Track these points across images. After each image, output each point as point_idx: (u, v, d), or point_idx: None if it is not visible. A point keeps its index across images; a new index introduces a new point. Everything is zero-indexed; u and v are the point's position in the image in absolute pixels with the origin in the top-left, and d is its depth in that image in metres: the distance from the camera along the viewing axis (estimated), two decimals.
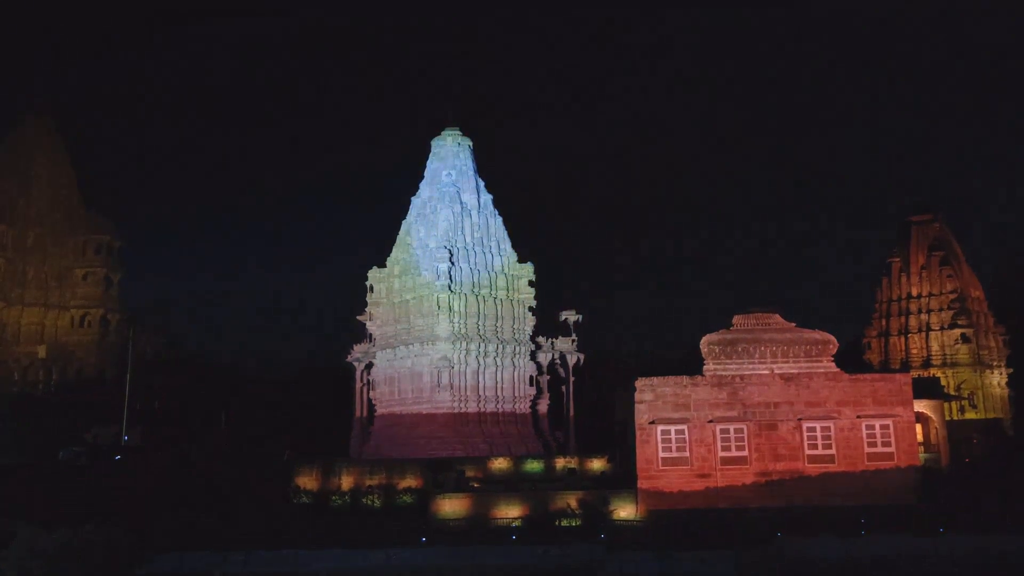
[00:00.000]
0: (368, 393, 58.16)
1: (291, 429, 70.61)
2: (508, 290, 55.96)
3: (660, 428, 38.30)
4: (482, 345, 53.45)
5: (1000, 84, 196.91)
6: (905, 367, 70.36)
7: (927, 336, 73.55)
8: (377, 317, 57.15)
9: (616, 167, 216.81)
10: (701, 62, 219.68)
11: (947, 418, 55.74)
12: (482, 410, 53.22)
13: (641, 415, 38.49)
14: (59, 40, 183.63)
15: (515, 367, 55.24)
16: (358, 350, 58.76)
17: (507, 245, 57.32)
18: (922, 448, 45.40)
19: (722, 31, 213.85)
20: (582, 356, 58.01)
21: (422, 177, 58.72)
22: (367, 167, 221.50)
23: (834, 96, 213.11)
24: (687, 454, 38.13)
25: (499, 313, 54.99)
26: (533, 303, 56.75)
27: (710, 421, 38.25)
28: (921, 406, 46.10)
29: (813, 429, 38.24)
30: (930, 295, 74.54)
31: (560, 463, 47.25)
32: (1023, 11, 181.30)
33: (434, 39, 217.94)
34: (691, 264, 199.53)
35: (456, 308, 53.06)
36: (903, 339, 75.18)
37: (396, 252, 57.73)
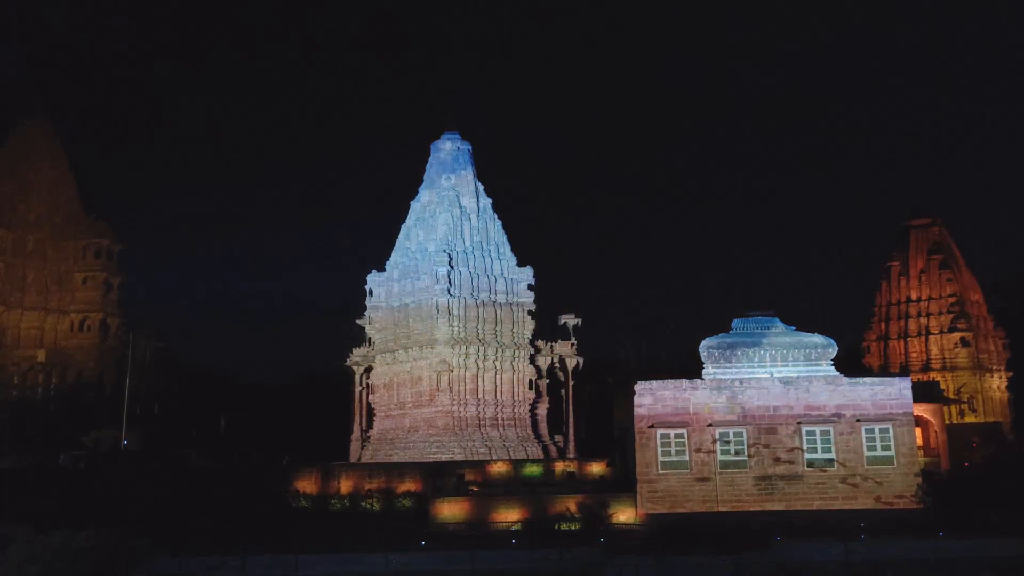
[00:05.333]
0: (367, 397, 58.11)
1: (290, 433, 70.60)
2: (507, 294, 55.90)
3: (659, 432, 38.24)
4: (481, 349, 53.38)
5: (1000, 87, 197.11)
6: (904, 371, 70.35)
7: (926, 340, 73.55)
8: (376, 321, 57.09)
9: (616, 171, 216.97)
10: (700, 65, 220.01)
11: (947, 422, 55.74)
12: (481, 414, 53.16)
13: (640, 419, 38.43)
14: (58, 43, 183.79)
15: (514, 371, 55.18)
16: (357, 354, 58.71)
17: (506, 249, 57.27)
18: (922, 452, 45.38)
19: (719, 37, 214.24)
20: (581, 360, 57.96)
21: (421, 181, 58.72)
22: (366, 171, 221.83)
23: (834, 99, 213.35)
24: (686, 458, 38.06)
25: (498, 317, 54.93)
26: (532, 307, 56.68)
27: (709, 425, 38.18)
28: (921, 410, 46.10)
29: (812, 433, 38.16)
30: (929, 299, 74.55)
31: (559, 467, 47.20)
32: (1022, 14, 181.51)
33: (434, 43, 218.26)
34: (690, 268, 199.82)
35: (455, 312, 53.00)
36: (902, 343, 75.19)
37: (395, 256, 57.68)
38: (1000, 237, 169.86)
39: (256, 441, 67.60)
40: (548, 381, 57.30)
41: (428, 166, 58.85)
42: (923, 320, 74.27)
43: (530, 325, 56.48)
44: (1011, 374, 73.31)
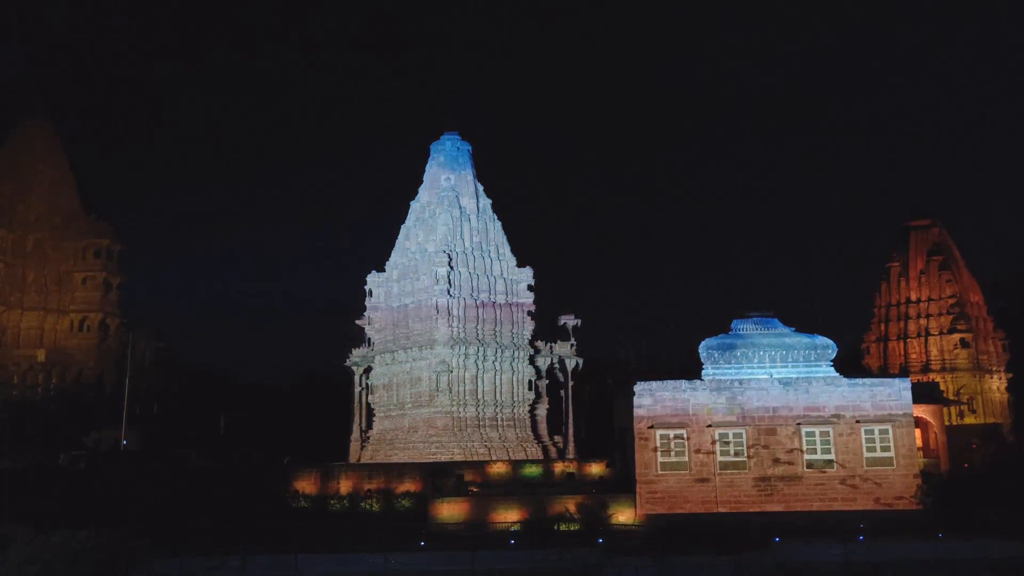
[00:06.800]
0: (367, 397, 58.13)
1: (290, 433, 70.63)
2: (507, 294, 55.91)
3: (659, 432, 38.25)
4: (481, 350, 53.39)
5: (1000, 87, 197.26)
6: (904, 372, 70.34)
7: (926, 341, 73.59)
8: (376, 321, 57.11)
9: (616, 171, 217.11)
10: (700, 65, 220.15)
11: (946, 423, 55.66)
12: (481, 414, 53.17)
13: (640, 419, 38.43)
14: (58, 43, 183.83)
15: (514, 371, 55.19)
16: (357, 354, 58.73)
17: (506, 249, 57.28)
18: (921, 453, 45.37)
19: (719, 37, 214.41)
20: (581, 360, 57.98)
21: (421, 181, 58.72)
22: (366, 171, 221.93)
23: (834, 99, 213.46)
24: (686, 459, 38.06)
25: (498, 318, 54.95)
26: (532, 307, 56.69)
27: (709, 426, 38.19)
28: (920, 411, 46.06)
29: (812, 434, 38.15)
30: (929, 300, 74.57)
31: (559, 467, 47.20)
32: (1022, 14, 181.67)
33: (434, 43, 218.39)
34: (690, 268, 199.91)
35: (455, 313, 53.01)
36: (902, 344, 75.22)
37: (395, 256, 57.70)
38: (1000, 237, 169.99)
39: (256, 441, 67.60)
40: (548, 382, 57.31)
41: (428, 166, 58.87)
42: (923, 321, 74.29)
43: (530, 326, 56.50)
44: (1011, 375, 73.32)
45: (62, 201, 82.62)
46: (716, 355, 40.13)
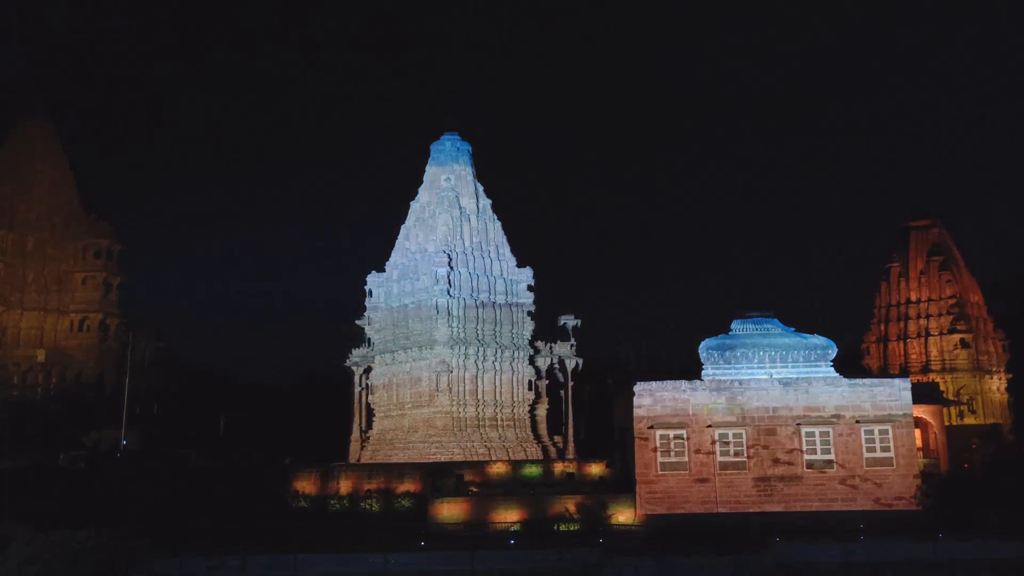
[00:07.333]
0: (367, 397, 58.12)
1: (290, 433, 70.60)
2: (507, 295, 55.89)
3: (659, 433, 38.29)
4: (481, 350, 53.40)
5: (1000, 87, 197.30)
6: (904, 372, 70.25)
7: (926, 341, 73.52)
8: (376, 322, 57.10)
9: (616, 171, 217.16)
10: (700, 65, 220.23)
11: (946, 423, 55.66)
12: (480, 415, 53.18)
13: (639, 420, 38.47)
14: (58, 43, 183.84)
15: (514, 372, 55.17)
16: (357, 354, 58.73)
17: (506, 250, 57.27)
18: (921, 453, 45.38)
19: (719, 37, 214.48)
20: (581, 361, 57.92)
21: (421, 181, 58.71)
22: (366, 171, 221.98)
23: (834, 99, 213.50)
24: (685, 459, 38.10)
25: (498, 318, 54.94)
26: (532, 308, 56.66)
27: (708, 426, 38.23)
28: (920, 411, 46.09)
29: (812, 434, 38.20)
30: (929, 300, 74.51)
31: (559, 468, 47.20)
32: (1022, 14, 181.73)
33: (434, 43, 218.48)
34: (690, 268, 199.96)
35: (455, 313, 53.01)
36: (902, 344, 75.14)
37: (395, 257, 57.71)
38: (1000, 237, 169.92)
39: (256, 441, 67.58)
40: (547, 382, 57.27)
41: (428, 166, 58.84)
42: (923, 322, 74.23)
43: (529, 326, 56.46)
44: (1011, 376, 73.27)
45: (62, 201, 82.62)
46: (716, 355, 40.16)
